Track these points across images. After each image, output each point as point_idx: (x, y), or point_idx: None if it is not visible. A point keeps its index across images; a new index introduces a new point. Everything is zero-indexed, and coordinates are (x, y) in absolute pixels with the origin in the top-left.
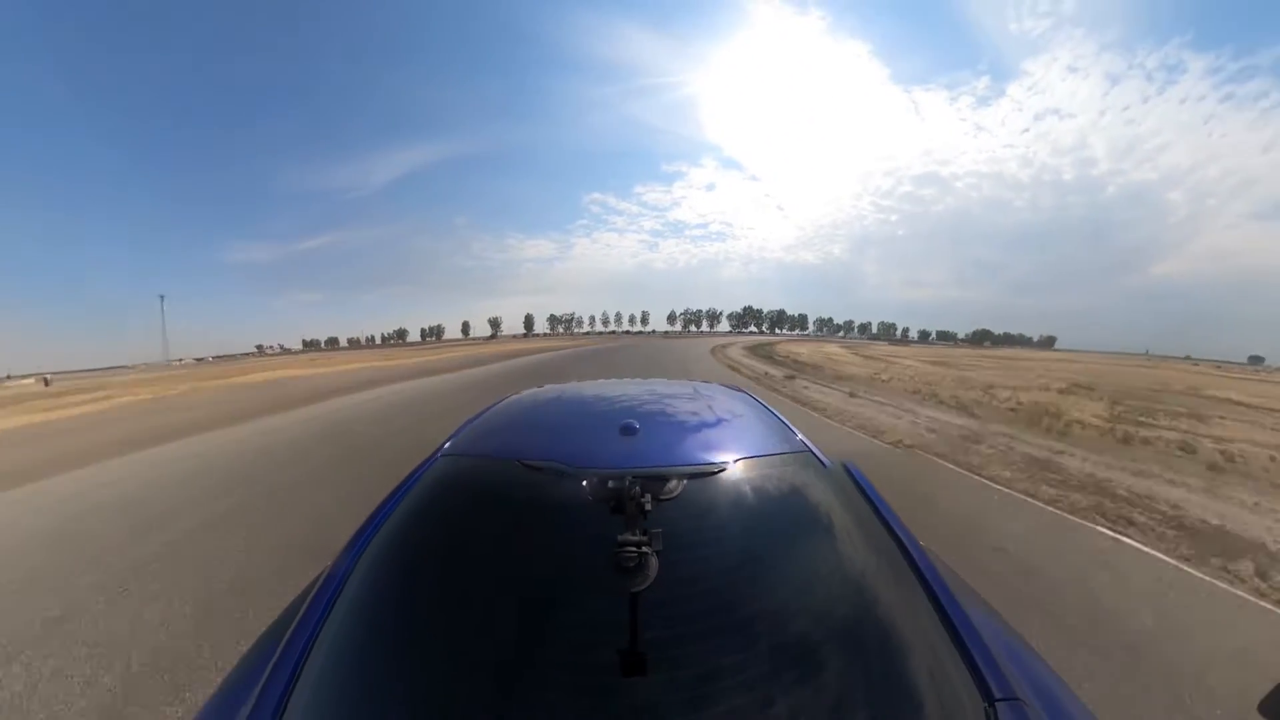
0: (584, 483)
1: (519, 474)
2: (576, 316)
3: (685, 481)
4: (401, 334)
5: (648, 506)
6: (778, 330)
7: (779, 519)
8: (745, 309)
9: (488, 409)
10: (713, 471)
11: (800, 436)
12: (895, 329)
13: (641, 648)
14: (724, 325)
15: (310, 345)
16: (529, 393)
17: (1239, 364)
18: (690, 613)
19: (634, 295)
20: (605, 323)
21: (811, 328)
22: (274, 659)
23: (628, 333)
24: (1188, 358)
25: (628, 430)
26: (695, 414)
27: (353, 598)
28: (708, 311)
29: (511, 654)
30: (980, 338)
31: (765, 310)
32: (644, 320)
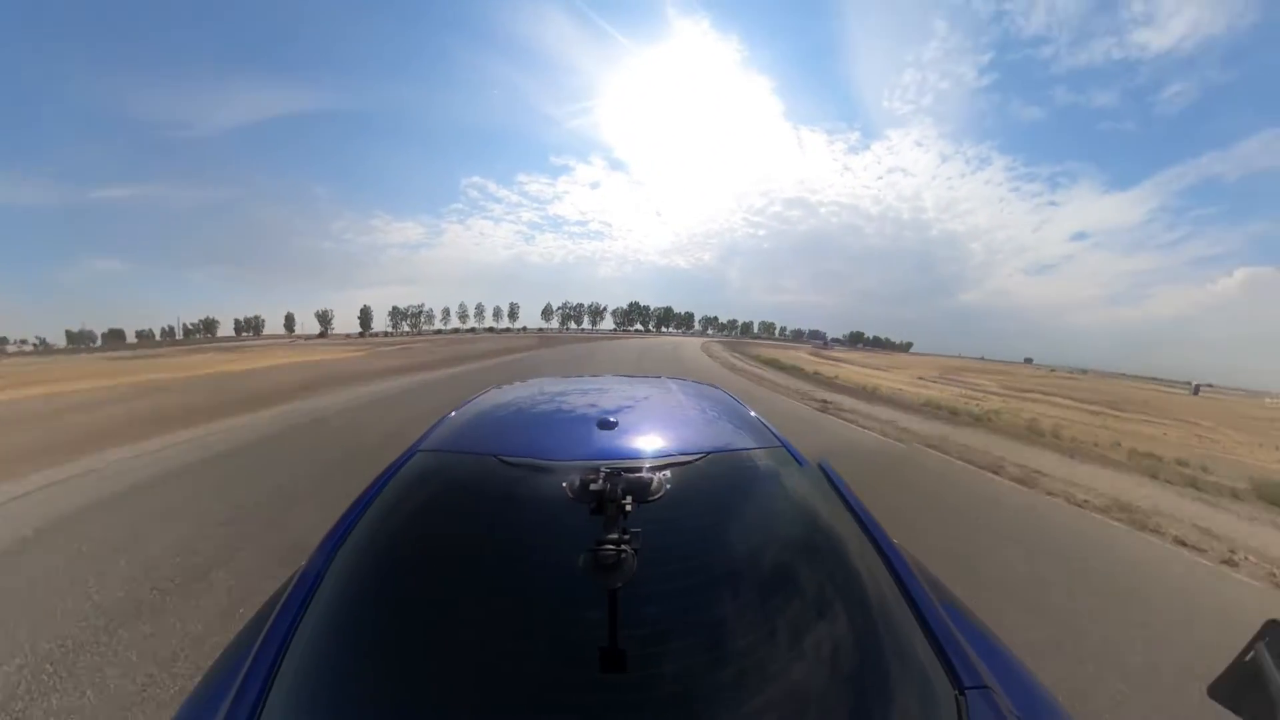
0: (561, 477)
1: (496, 469)
2: (427, 310)
3: (665, 473)
4: (210, 326)
5: (626, 499)
6: (664, 329)
7: (756, 512)
8: (632, 305)
9: (464, 404)
10: (691, 462)
11: (776, 433)
12: (774, 328)
13: (621, 642)
14: (607, 323)
15: (81, 338)
16: (505, 388)
17: (1016, 362)
18: (669, 605)
19: (505, 289)
20: (464, 317)
21: (698, 326)
22: (250, 658)
23: (491, 330)
24: (981, 358)
25: (605, 424)
26: (673, 409)
27: (328, 596)
28: (590, 306)
29: (492, 651)
30: (854, 339)
31: (652, 308)
32: (512, 315)
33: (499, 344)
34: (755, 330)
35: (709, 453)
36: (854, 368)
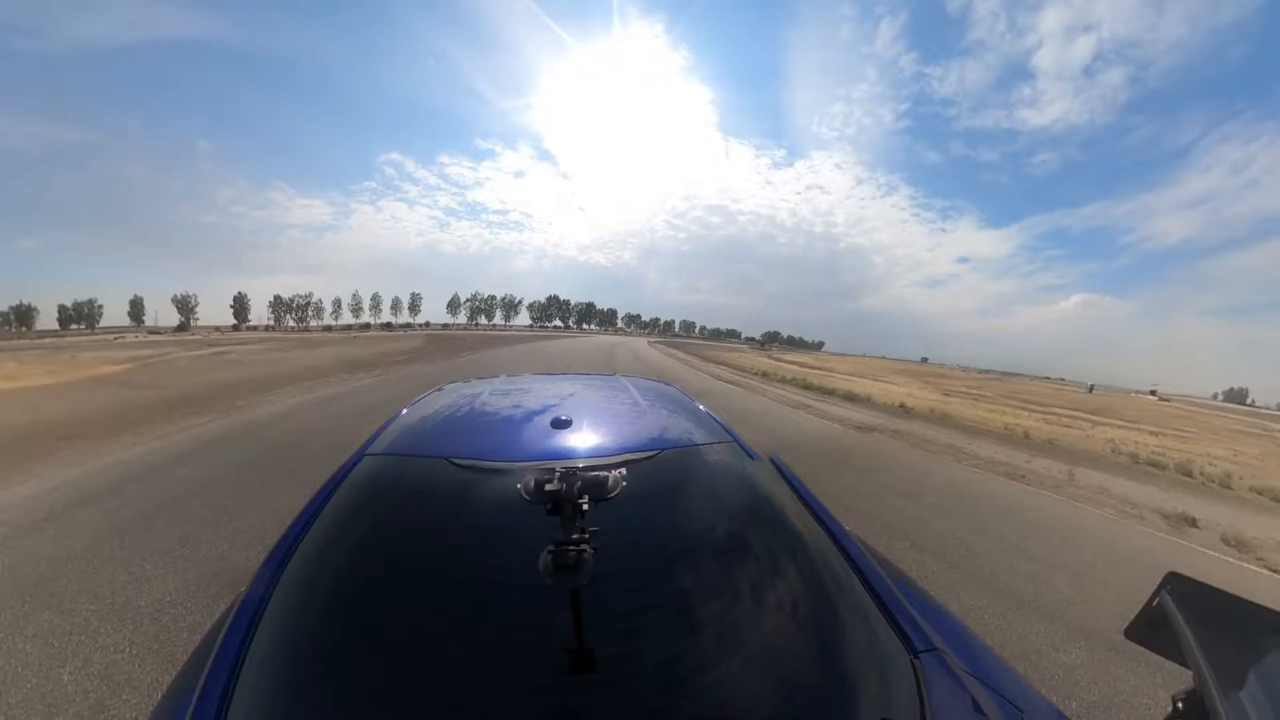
0: (516, 478)
1: (448, 472)
2: (315, 301)
3: (620, 470)
4: (24, 316)
5: (583, 498)
6: (585, 325)
7: (713, 505)
8: (551, 299)
9: (413, 404)
10: (646, 459)
11: (728, 429)
12: (695, 327)
13: (586, 641)
14: (523, 318)
15: None
16: (456, 387)
17: (914, 360)
18: (632, 602)
19: (414, 279)
20: (358, 310)
21: (621, 324)
22: (204, 675)
23: (388, 326)
24: (883, 357)
25: (559, 423)
26: (626, 406)
27: (279, 611)
28: (504, 299)
29: (456, 656)
30: (770, 339)
31: (573, 303)
32: (414, 308)
33: (320, 358)
34: (676, 329)
35: (663, 449)
36: (846, 376)
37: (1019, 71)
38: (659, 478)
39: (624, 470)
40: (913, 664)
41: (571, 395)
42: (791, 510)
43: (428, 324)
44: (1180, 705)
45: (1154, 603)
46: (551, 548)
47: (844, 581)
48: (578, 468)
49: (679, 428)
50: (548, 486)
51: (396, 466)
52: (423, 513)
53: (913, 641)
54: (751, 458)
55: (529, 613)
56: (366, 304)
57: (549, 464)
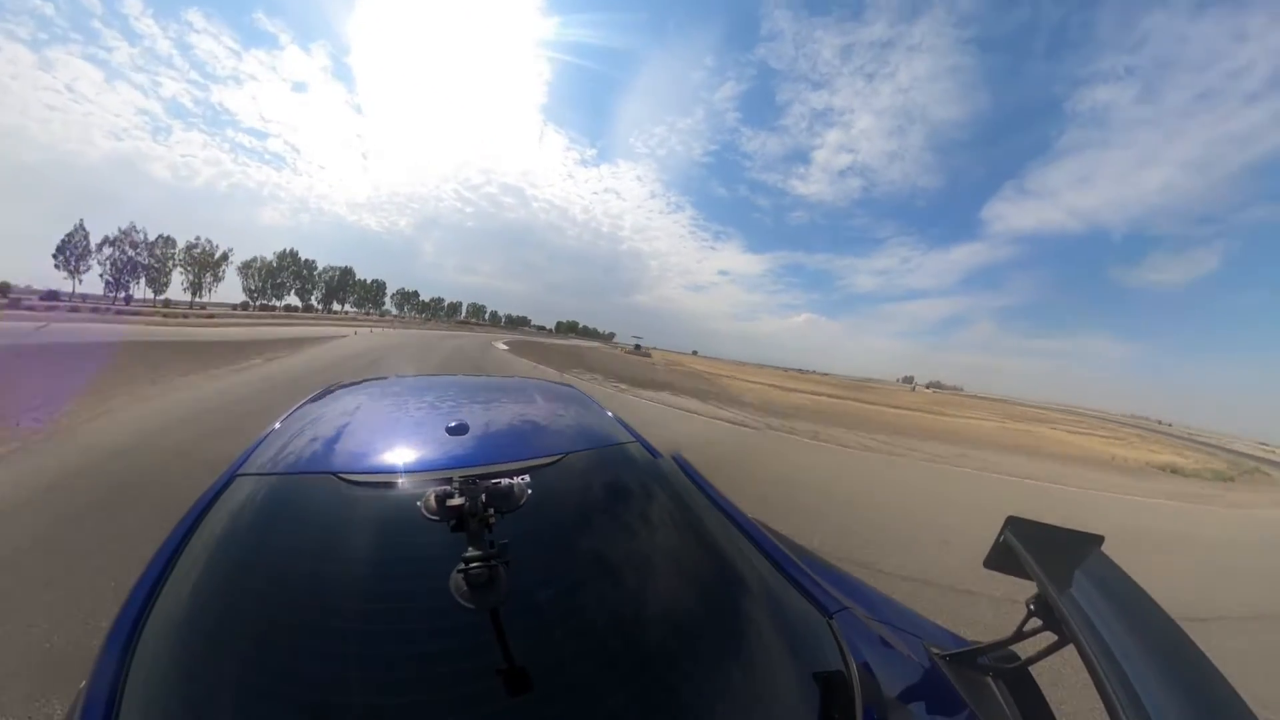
0: (415, 492)
1: (337, 489)
2: None
3: (525, 477)
4: None
5: (489, 510)
6: (337, 306)
7: (621, 505)
8: (288, 256)
9: (289, 413)
10: (551, 464)
11: (631, 429)
12: (485, 312)
13: (514, 660)
14: (233, 287)
15: None
16: (339, 391)
17: (687, 353)
18: (552, 613)
19: (88, 209)
20: None
21: (389, 304)
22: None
23: None
24: (636, 348)
25: (457, 429)
26: (526, 410)
27: (143, 663)
28: (193, 249)
29: (371, 695)
30: (570, 328)
31: (321, 269)
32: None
33: None
34: (464, 313)
35: (567, 453)
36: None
37: (801, 156)
38: (565, 482)
39: (528, 477)
40: (829, 624)
41: (469, 398)
42: (698, 504)
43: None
44: (1032, 607)
45: (1000, 539)
46: (461, 567)
47: (755, 563)
48: (480, 478)
49: (583, 429)
50: (450, 501)
51: (275, 486)
52: (310, 538)
53: (824, 605)
54: (655, 456)
55: (444, 640)
56: None
57: (448, 474)
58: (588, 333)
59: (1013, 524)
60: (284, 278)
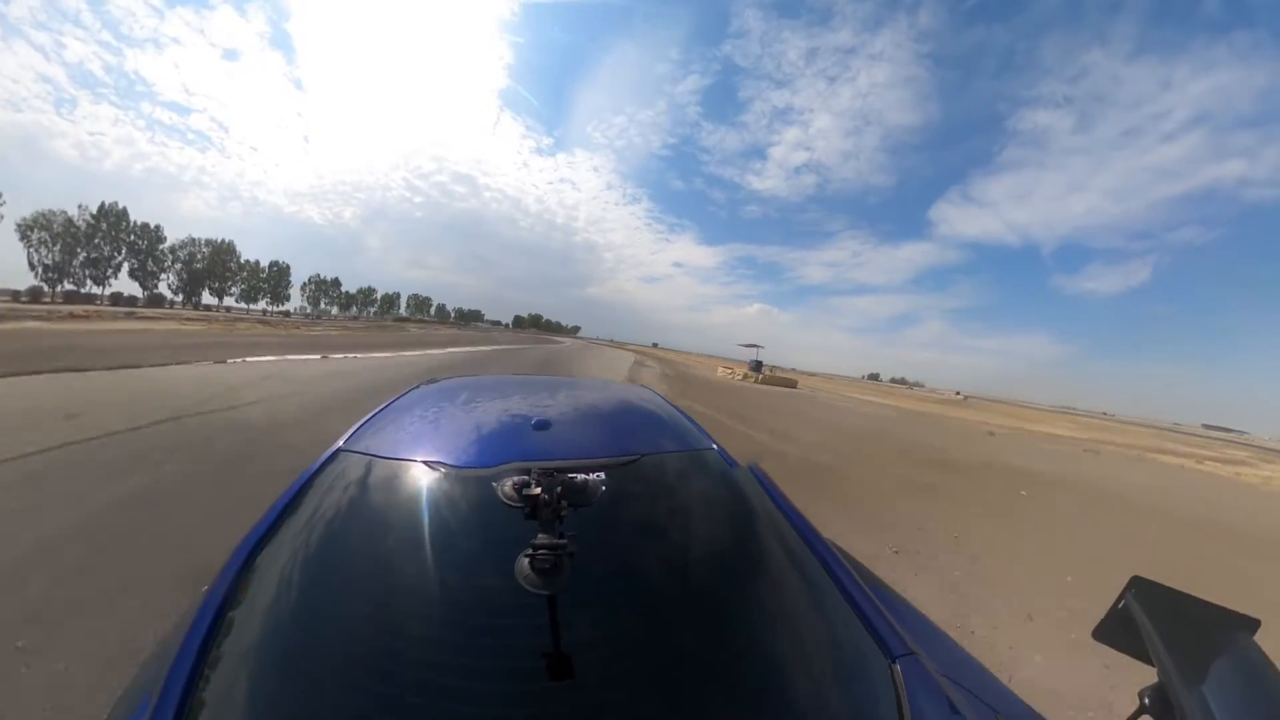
0: (494, 481)
1: (425, 472)
2: None
3: (599, 475)
4: None
5: (562, 503)
6: (256, 303)
7: (691, 513)
8: (111, 214)
9: (391, 401)
10: (625, 465)
11: (709, 436)
12: (430, 306)
13: (564, 647)
14: (11, 256)
15: None
16: (434, 386)
17: (647, 344)
18: (608, 608)
19: None
20: None
21: (300, 297)
22: (166, 671)
23: None
24: (611, 340)
25: (538, 426)
26: (606, 411)
27: (246, 609)
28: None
29: (429, 660)
30: (529, 324)
31: (179, 241)
32: None
33: None
34: (403, 308)
35: (643, 455)
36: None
37: (759, 153)
38: (639, 483)
39: (603, 475)
40: (890, 668)
41: (553, 397)
42: (770, 518)
43: None
44: (1147, 700)
45: (1119, 605)
46: (528, 553)
47: (822, 589)
48: (556, 472)
49: (660, 433)
50: (525, 490)
51: (371, 466)
52: (397, 514)
53: (890, 646)
54: (731, 465)
55: (503, 618)
56: None
57: (527, 466)
58: (550, 327)
59: (1138, 586)
60: (105, 248)
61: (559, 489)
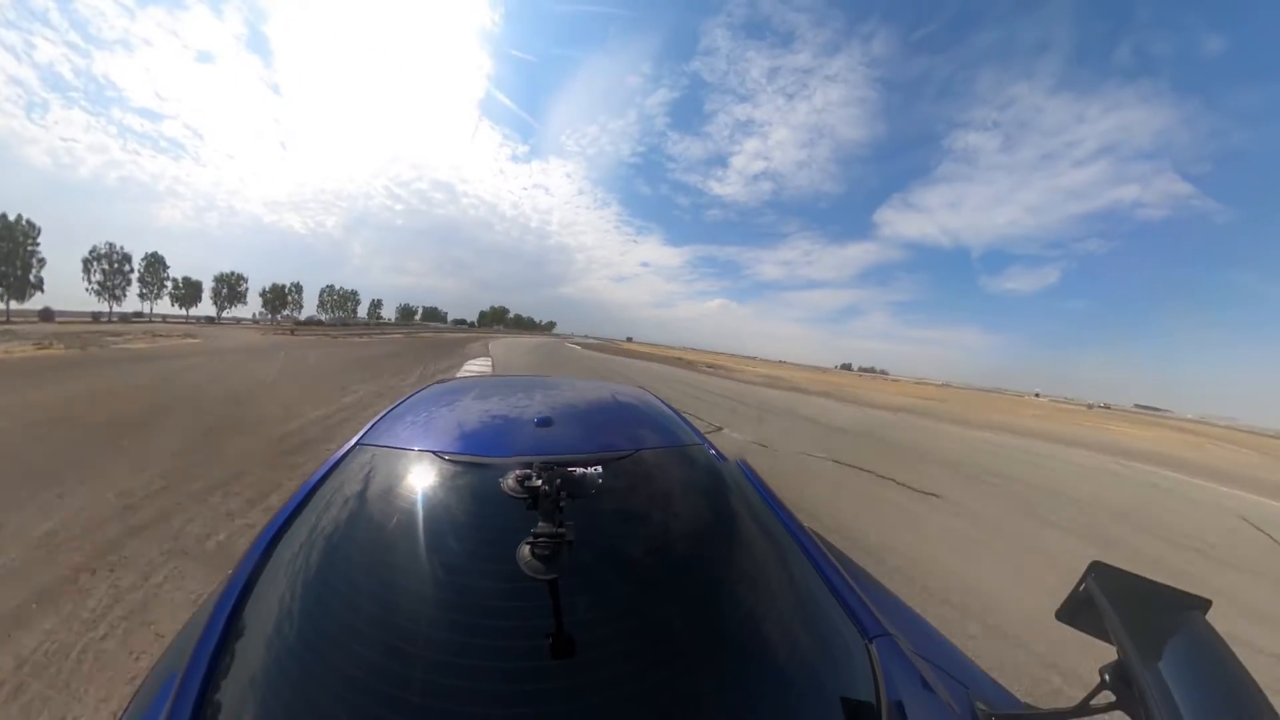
0: (499, 473)
1: (436, 465)
2: None
3: (597, 469)
4: None
5: (561, 494)
6: (115, 307)
7: (682, 504)
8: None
9: (405, 399)
10: (621, 459)
11: (699, 433)
12: (416, 314)
13: (565, 628)
14: (60, 289)
15: None
16: (446, 385)
17: (622, 340)
18: (604, 593)
19: None
20: None
21: (318, 311)
22: (188, 658)
23: None
24: (586, 336)
25: (541, 422)
26: (604, 409)
27: (266, 595)
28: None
29: (435, 641)
30: (492, 319)
31: (227, 273)
32: None
33: None
34: (384, 313)
35: (638, 450)
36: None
37: (721, 161)
38: (633, 477)
39: (600, 469)
40: (867, 648)
41: (552, 396)
42: (754, 508)
43: None
44: (1107, 677)
45: (1080, 588)
46: (529, 540)
47: (802, 573)
48: (557, 465)
49: (654, 430)
50: (528, 482)
51: (388, 458)
52: (409, 503)
53: (866, 627)
54: (720, 460)
55: (507, 601)
56: None
57: (530, 460)
58: (521, 323)
59: (1097, 571)
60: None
61: (559, 482)
